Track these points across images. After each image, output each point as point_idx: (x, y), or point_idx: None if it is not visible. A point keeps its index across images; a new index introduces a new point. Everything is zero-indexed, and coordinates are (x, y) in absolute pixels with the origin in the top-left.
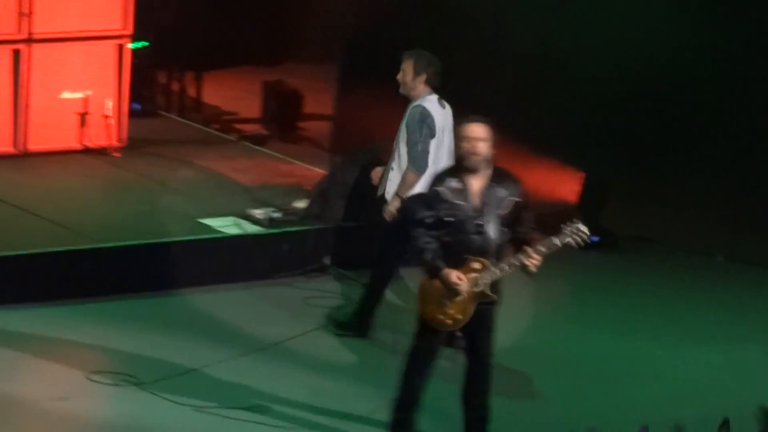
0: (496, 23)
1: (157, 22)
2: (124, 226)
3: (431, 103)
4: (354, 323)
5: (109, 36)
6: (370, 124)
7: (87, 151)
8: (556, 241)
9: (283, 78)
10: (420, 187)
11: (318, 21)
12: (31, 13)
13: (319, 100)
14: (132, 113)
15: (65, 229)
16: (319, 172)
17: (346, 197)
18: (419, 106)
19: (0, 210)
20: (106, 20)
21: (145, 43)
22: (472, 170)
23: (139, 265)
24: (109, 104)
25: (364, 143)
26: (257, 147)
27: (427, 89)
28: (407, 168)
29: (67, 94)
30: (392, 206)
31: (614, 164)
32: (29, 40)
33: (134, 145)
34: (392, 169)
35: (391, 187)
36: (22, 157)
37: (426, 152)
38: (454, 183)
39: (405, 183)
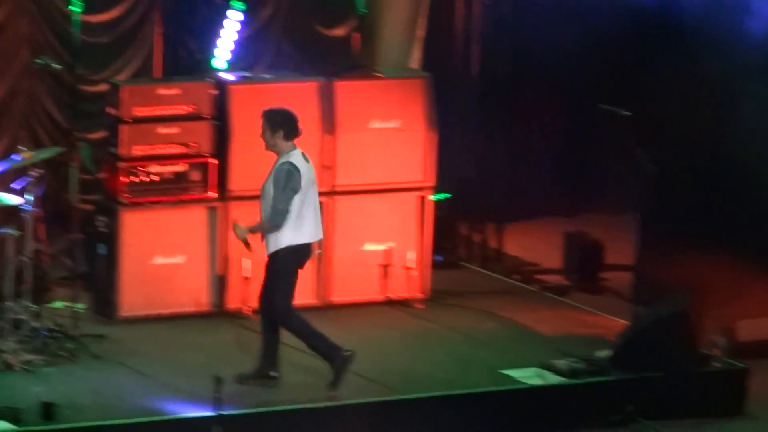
0: None
1: (458, 174)
2: (427, 377)
3: (297, 158)
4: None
5: (411, 188)
6: (672, 275)
7: (389, 302)
8: None
9: (583, 228)
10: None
11: (618, 172)
12: (333, 166)
13: (619, 251)
14: (434, 265)
15: (368, 380)
16: (621, 322)
17: (649, 348)
18: (287, 162)
19: (303, 362)
20: (408, 172)
21: (447, 195)
22: None
23: (441, 417)
24: (412, 256)
25: (666, 294)
26: (559, 298)
27: (289, 144)
28: (268, 218)
29: (369, 246)
30: (243, 233)
31: None
32: (332, 193)
33: (437, 297)
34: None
35: (268, 237)
36: (325, 309)
37: (286, 211)
38: None
39: (263, 227)
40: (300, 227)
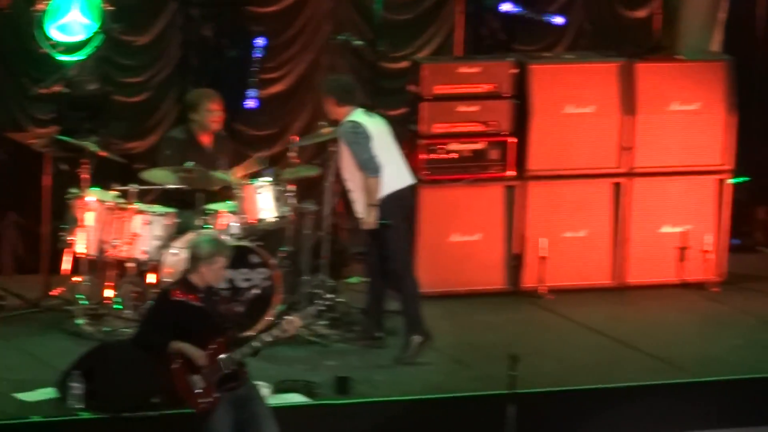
0: None
1: (757, 157)
2: (721, 360)
3: (357, 115)
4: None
5: (709, 171)
6: None
7: (684, 285)
8: None
9: None
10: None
11: None
12: (632, 147)
13: None
14: (731, 248)
15: (663, 362)
16: None
17: None
18: (346, 122)
19: (598, 342)
20: (706, 155)
21: (746, 179)
22: None
23: (735, 400)
24: (709, 239)
25: None
26: None
27: (348, 108)
28: (364, 177)
29: (666, 228)
30: (370, 217)
31: None
32: (630, 174)
33: (733, 280)
34: (351, 191)
35: (359, 207)
36: (620, 290)
37: (372, 156)
38: None
39: (369, 190)
40: (386, 175)
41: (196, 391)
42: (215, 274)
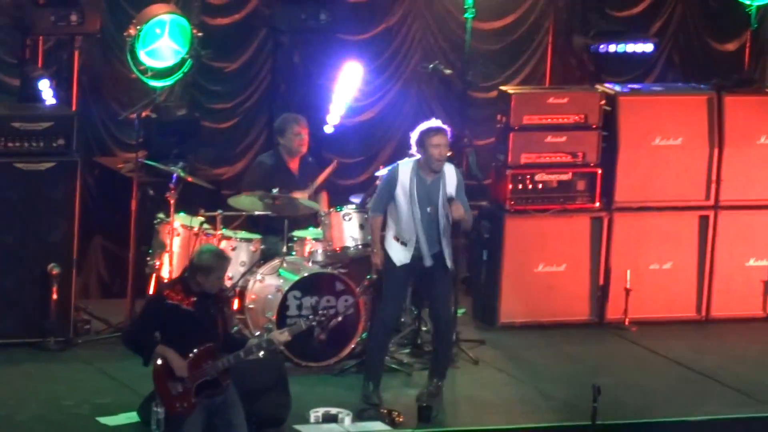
0: None
1: None
2: None
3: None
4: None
5: None
6: None
7: None
8: None
9: None
10: None
11: None
12: (719, 180)
13: None
14: None
15: (746, 396)
16: None
17: None
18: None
19: (681, 375)
20: None
21: None
22: None
23: None
24: None
25: None
26: None
27: None
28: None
29: (752, 262)
30: None
31: None
32: (716, 207)
33: None
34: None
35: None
36: (705, 323)
37: None
38: None
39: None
40: None
41: (174, 393)
42: (210, 284)
